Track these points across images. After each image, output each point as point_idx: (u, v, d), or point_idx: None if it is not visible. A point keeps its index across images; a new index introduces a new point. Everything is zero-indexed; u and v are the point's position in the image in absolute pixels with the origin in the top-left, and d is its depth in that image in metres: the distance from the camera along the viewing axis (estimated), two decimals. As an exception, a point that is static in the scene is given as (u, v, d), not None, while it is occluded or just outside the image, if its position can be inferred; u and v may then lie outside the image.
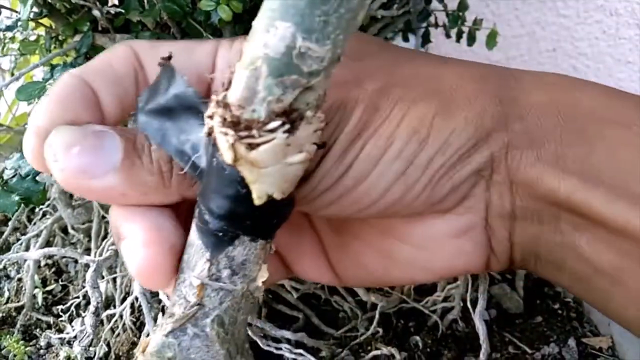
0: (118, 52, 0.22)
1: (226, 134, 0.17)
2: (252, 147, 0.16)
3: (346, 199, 0.21)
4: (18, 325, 0.50)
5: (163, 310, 0.48)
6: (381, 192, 0.20)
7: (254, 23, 0.16)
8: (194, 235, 0.20)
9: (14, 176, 0.39)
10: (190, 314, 0.19)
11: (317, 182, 0.20)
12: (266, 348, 0.43)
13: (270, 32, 0.15)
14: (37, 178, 0.40)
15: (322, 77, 0.16)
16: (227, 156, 0.17)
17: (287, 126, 0.16)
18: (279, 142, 0.16)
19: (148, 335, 0.45)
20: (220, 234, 0.19)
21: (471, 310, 0.45)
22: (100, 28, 0.43)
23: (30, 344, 0.49)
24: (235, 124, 0.16)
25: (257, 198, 0.18)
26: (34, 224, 0.59)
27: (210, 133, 0.18)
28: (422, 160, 0.20)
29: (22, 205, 0.39)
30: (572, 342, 0.50)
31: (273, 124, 0.16)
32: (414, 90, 0.21)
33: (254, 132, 0.16)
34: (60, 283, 0.55)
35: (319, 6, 0.14)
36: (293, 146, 0.17)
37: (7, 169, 0.41)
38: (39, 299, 0.53)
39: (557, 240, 0.21)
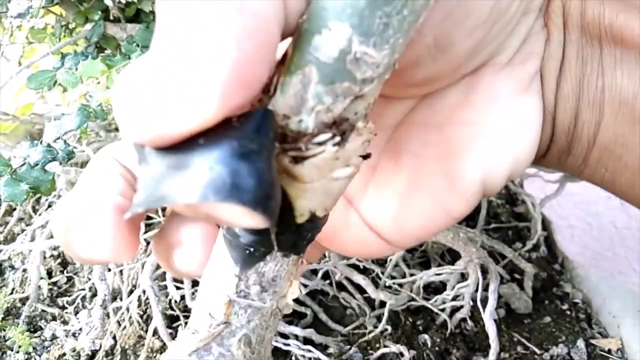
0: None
1: None
2: (297, 160, 0.15)
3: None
4: (23, 317, 0.50)
5: (170, 303, 0.48)
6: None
7: (301, 22, 0.14)
8: (221, 248, 0.18)
9: (22, 165, 0.38)
10: (216, 332, 0.18)
11: None
12: (274, 344, 0.43)
13: (323, 34, 0.13)
14: (46, 167, 0.40)
15: (376, 84, 0.14)
16: None
17: (337, 138, 0.15)
18: (327, 156, 0.15)
19: (155, 330, 0.45)
20: (252, 249, 0.17)
21: (481, 309, 0.45)
22: (111, 17, 0.43)
23: (35, 335, 0.49)
24: (280, 135, 0.15)
25: (300, 216, 0.16)
26: (40, 214, 0.59)
27: None
28: None
29: (30, 194, 0.39)
30: (580, 343, 0.50)
31: (323, 137, 0.14)
32: None
33: (301, 144, 0.14)
34: (66, 275, 0.55)
35: (380, 7, 0.13)
36: (341, 159, 0.15)
37: (15, 157, 0.40)
38: (44, 291, 0.53)
39: (599, 85, 0.20)
